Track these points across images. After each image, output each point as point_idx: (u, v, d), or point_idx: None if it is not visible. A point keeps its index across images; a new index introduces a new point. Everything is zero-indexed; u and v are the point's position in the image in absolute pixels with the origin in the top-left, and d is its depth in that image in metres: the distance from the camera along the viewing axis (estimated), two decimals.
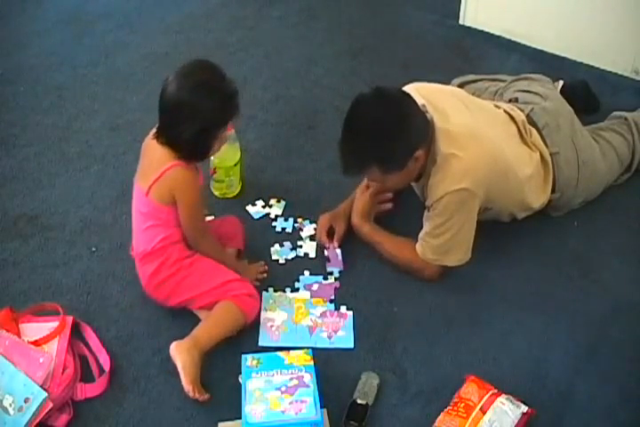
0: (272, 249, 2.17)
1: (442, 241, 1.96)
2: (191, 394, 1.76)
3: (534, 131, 2.14)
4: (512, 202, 2.07)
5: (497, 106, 2.16)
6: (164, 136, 1.80)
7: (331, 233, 2.13)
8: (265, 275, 2.08)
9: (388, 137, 1.81)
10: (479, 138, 1.94)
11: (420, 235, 2.00)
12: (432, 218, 1.96)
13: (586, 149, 2.18)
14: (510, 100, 2.26)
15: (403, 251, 2.05)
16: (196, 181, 1.86)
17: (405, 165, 1.87)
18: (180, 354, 1.77)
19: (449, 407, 1.76)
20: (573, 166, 2.14)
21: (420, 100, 1.90)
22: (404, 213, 2.18)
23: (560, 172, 2.13)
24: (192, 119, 1.74)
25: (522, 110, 2.17)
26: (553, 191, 2.14)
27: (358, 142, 1.84)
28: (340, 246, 2.10)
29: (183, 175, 1.81)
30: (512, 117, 2.11)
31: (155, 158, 1.82)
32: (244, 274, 2.00)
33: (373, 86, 1.86)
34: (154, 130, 1.84)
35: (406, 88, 2.00)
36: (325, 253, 2.12)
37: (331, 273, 2.10)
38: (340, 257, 2.10)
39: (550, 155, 2.12)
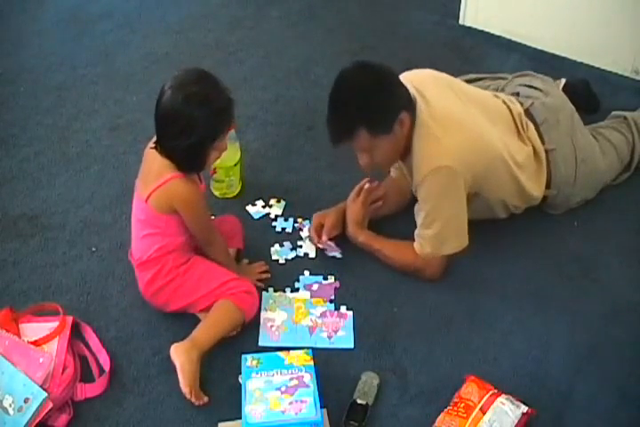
0: (272, 249, 2.17)
1: (436, 230, 1.95)
2: (188, 396, 1.76)
3: (531, 125, 2.13)
4: (503, 188, 2.05)
5: (496, 96, 2.16)
6: (161, 147, 1.79)
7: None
8: (268, 275, 2.08)
9: (372, 95, 1.81)
10: (463, 122, 1.93)
11: (416, 232, 2.00)
12: (421, 207, 1.95)
13: (585, 147, 2.18)
14: (512, 95, 2.26)
15: (402, 253, 2.05)
16: (196, 192, 1.84)
17: (392, 128, 1.86)
18: (179, 356, 1.77)
19: (449, 407, 1.76)
20: (571, 164, 2.14)
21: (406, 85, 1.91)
22: (402, 215, 2.17)
23: (557, 169, 2.12)
24: (186, 132, 1.72)
25: (521, 104, 2.16)
26: (548, 187, 2.14)
27: (345, 106, 1.84)
28: (330, 239, 2.09)
29: (183, 188, 1.80)
30: (509, 109, 2.11)
31: (155, 166, 1.81)
32: (244, 275, 1.99)
33: (353, 61, 1.87)
34: (154, 138, 1.82)
35: None
36: (320, 246, 2.12)
37: (331, 273, 2.10)
38: (333, 245, 2.09)
39: (545, 151, 2.11)
